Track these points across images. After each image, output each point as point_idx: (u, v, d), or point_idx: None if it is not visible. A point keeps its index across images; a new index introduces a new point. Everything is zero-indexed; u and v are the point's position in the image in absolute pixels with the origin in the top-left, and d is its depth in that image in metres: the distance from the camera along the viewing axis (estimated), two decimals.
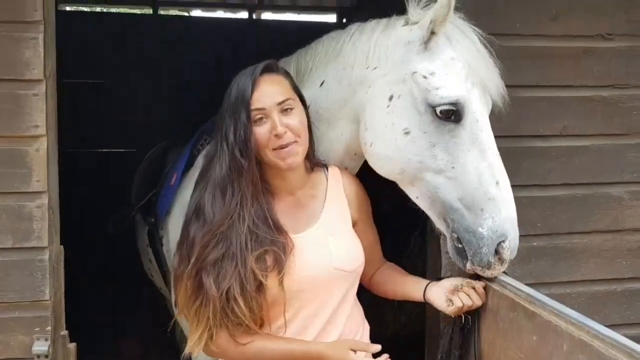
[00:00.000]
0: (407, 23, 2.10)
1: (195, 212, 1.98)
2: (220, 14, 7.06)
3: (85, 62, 6.01)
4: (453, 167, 1.93)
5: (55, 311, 2.33)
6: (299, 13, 6.80)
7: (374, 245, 2.27)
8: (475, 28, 2.06)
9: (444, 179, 1.94)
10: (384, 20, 2.20)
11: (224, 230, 1.91)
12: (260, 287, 1.89)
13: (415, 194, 2.06)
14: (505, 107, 2.09)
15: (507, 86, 2.55)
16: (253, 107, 1.92)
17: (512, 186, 2.56)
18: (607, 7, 2.66)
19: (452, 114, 1.92)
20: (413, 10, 2.08)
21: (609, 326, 2.65)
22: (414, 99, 1.96)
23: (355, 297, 2.16)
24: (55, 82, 2.39)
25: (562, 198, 2.66)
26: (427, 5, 2.07)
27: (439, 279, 2.49)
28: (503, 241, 1.89)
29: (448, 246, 2.06)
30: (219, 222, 1.92)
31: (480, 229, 1.89)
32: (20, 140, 2.28)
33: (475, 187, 1.90)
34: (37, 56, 2.28)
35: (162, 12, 6.94)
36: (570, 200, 2.67)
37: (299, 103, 2.02)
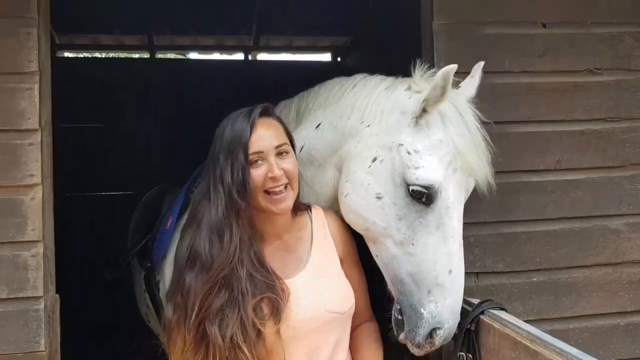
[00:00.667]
0: (409, 88, 2.13)
1: (190, 259, 1.93)
2: (216, 56, 7.18)
3: (84, 106, 6.08)
4: (413, 244, 1.97)
5: None
6: (294, 53, 6.92)
7: (359, 289, 2.17)
8: (476, 111, 2.10)
9: (402, 252, 1.98)
10: (390, 79, 2.23)
11: (225, 276, 1.87)
12: (259, 334, 1.85)
13: (375, 253, 2.11)
14: (492, 193, 2.12)
15: (500, 122, 2.61)
16: (252, 150, 1.92)
17: (510, 222, 2.61)
18: (592, 44, 2.70)
19: (423, 196, 1.94)
20: (417, 77, 2.11)
21: None
22: (394, 169, 1.99)
23: (348, 341, 2.11)
24: (50, 131, 2.42)
25: (560, 232, 2.65)
26: (434, 73, 2.10)
27: None
28: (439, 328, 1.94)
29: (392, 312, 2.11)
30: (219, 267, 1.87)
31: (422, 310, 1.94)
32: (15, 190, 2.30)
33: (429, 269, 1.94)
34: (32, 106, 2.31)
35: (159, 55, 7.06)
36: (569, 234, 2.66)
37: (291, 148, 2.04)
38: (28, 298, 2.28)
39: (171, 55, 7.86)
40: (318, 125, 2.26)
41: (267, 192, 1.94)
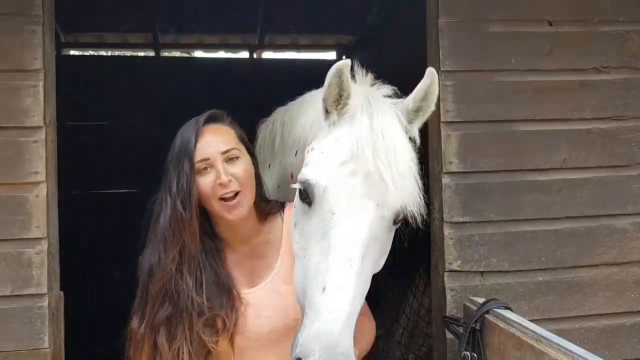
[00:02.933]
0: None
1: (149, 272, 1.92)
2: (221, 54, 7.18)
3: (90, 104, 6.09)
4: (305, 256, 1.71)
5: (54, 359, 2.30)
6: (298, 51, 6.91)
7: None
8: (396, 103, 1.82)
9: (300, 268, 1.74)
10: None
11: (167, 287, 1.87)
12: (209, 352, 1.85)
13: None
14: (419, 215, 1.75)
15: (506, 121, 2.60)
16: (198, 158, 1.89)
17: (515, 220, 2.59)
18: (599, 42, 2.68)
19: (306, 196, 1.71)
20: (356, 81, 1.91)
21: None
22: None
23: None
24: (55, 128, 2.42)
25: (566, 231, 2.63)
26: (379, 80, 1.94)
27: (445, 317, 2.46)
28: (301, 359, 1.53)
29: None
30: (159, 276, 1.88)
31: (299, 337, 1.58)
32: (20, 187, 2.30)
33: (308, 285, 1.64)
34: (37, 103, 2.32)
35: (165, 54, 7.06)
36: (575, 234, 2.64)
37: (245, 152, 1.98)
38: (32, 295, 2.28)
39: (176, 54, 7.86)
40: (296, 153, 2.18)
41: (222, 199, 1.90)
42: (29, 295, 2.27)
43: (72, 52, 6.85)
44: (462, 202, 2.54)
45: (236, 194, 1.89)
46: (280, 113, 2.45)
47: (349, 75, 1.75)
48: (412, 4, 3.18)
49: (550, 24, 2.66)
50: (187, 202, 1.87)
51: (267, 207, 2.05)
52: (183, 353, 1.82)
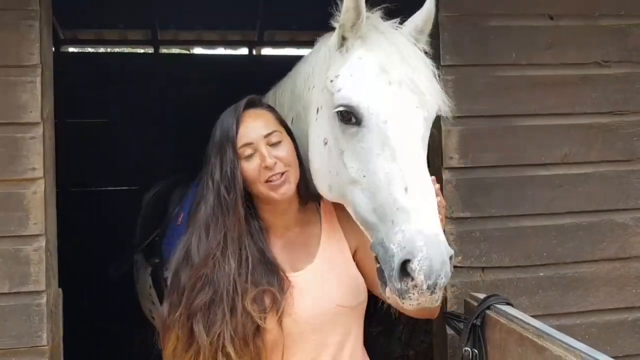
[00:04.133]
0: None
1: (185, 258, 1.94)
2: (220, 51, 7.15)
3: (89, 101, 6.07)
4: (364, 176, 1.74)
5: (53, 357, 2.29)
6: (298, 48, 6.88)
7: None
8: (400, 27, 1.92)
9: (360, 191, 1.75)
10: (325, 35, 2.08)
11: (209, 273, 1.87)
12: (257, 330, 1.83)
13: (351, 212, 1.87)
14: (450, 112, 1.90)
15: (506, 115, 2.58)
16: (241, 143, 1.92)
17: (516, 216, 2.58)
18: (600, 36, 2.67)
19: (351, 116, 1.77)
20: (338, 14, 1.92)
21: (623, 357, 2.63)
22: (328, 106, 1.86)
23: (359, 336, 2.08)
24: (52, 124, 2.40)
25: (567, 227, 2.62)
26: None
27: (445, 313, 2.45)
28: (410, 260, 1.53)
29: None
30: (201, 262, 1.89)
31: (391, 245, 1.58)
32: (17, 184, 2.28)
33: (385, 195, 1.66)
34: (34, 99, 2.30)
35: (164, 50, 7.03)
36: (576, 229, 2.63)
37: (286, 135, 2.01)
38: (30, 292, 2.26)
39: (175, 50, 7.84)
40: (292, 121, 2.18)
41: (268, 181, 1.92)
42: (27, 293, 2.26)
43: (70, 49, 6.82)
44: (463, 197, 2.52)
45: (282, 173, 1.92)
46: (269, 96, 2.41)
47: None
48: None
49: (551, 18, 2.64)
50: (231, 187, 1.89)
51: (307, 194, 2.06)
52: (224, 339, 1.80)
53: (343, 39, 1.87)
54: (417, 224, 1.57)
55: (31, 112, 2.29)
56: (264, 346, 1.85)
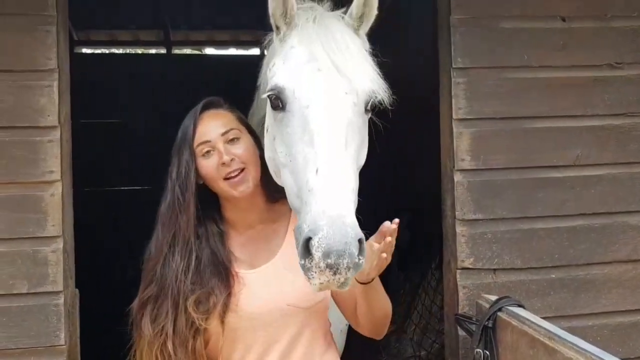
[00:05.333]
0: None
1: (148, 253, 2.02)
2: (232, 51, 7.19)
3: (103, 101, 6.13)
4: (290, 161, 1.76)
5: (70, 356, 2.33)
6: None
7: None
8: (340, 14, 1.92)
9: (289, 175, 1.78)
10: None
11: (158, 269, 1.95)
12: (197, 332, 1.89)
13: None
14: (389, 97, 1.83)
15: (518, 117, 2.59)
16: (198, 141, 1.97)
17: (528, 218, 2.59)
18: (613, 37, 2.66)
19: (278, 101, 1.79)
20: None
21: (635, 359, 2.62)
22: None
23: (326, 337, 2.06)
24: (69, 127, 2.44)
25: (579, 228, 2.62)
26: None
27: (457, 315, 2.46)
28: (311, 237, 1.53)
29: None
30: (153, 258, 1.97)
31: (303, 225, 1.59)
32: (35, 186, 2.32)
33: (302, 177, 1.68)
34: (51, 103, 2.34)
35: (176, 51, 7.08)
36: (588, 231, 2.63)
37: (246, 133, 2.04)
38: (48, 293, 2.31)
39: (187, 51, 7.89)
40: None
41: (226, 178, 1.96)
42: (45, 293, 2.30)
43: (84, 50, 6.89)
44: (475, 199, 2.53)
45: (241, 170, 1.95)
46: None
47: None
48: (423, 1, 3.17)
49: (563, 20, 2.64)
50: (184, 187, 1.95)
51: (274, 192, 2.06)
52: (165, 333, 1.88)
53: (277, 28, 1.89)
54: (322, 204, 1.57)
55: (49, 115, 2.33)
56: (202, 346, 1.91)
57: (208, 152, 1.97)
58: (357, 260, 1.53)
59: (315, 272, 1.54)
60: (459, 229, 2.52)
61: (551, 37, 2.63)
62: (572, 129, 2.63)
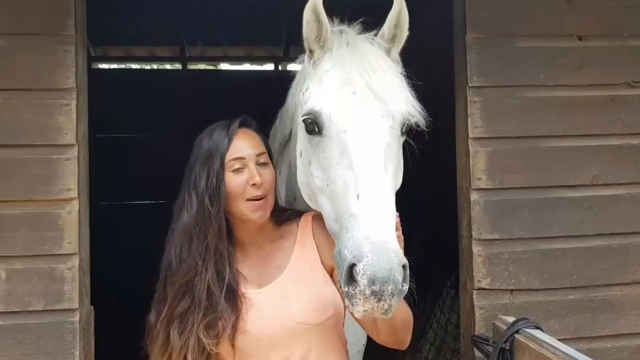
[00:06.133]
0: None
1: (169, 266, 1.98)
2: (247, 66, 7.24)
3: (118, 117, 6.19)
4: (327, 185, 1.77)
5: None
6: None
7: None
8: (371, 37, 1.91)
9: (326, 200, 1.78)
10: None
11: (189, 281, 1.92)
12: (209, 355, 1.88)
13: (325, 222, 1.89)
14: (424, 119, 1.84)
15: (535, 137, 2.57)
16: (233, 156, 1.94)
17: (545, 238, 2.56)
18: (630, 56, 2.65)
19: (314, 126, 1.79)
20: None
21: None
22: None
23: (340, 353, 2.01)
24: (87, 145, 2.46)
25: (597, 249, 2.59)
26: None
27: (474, 336, 2.43)
28: (355, 264, 1.54)
29: None
30: (185, 270, 1.93)
31: (345, 251, 1.60)
32: (52, 204, 2.35)
33: (341, 202, 1.69)
34: (69, 122, 2.36)
35: (191, 66, 7.15)
36: (606, 251, 2.59)
37: (270, 161, 2.04)
38: (64, 310, 2.32)
39: (202, 66, 7.96)
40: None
41: (247, 200, 1.94)
42: (60, 310, 2.31)
43: (101, 66, 6.97)
44: (491, 219, 2.52)
45: (264, 196, 1.94)
46: (278, 116, 2.45)
47: (323, 9, 1.82)
48: (440, 20, 3.18)
49: (580, 39, 2.63)
50: (215, 198, 1.91)
51: (283, 215, 2.08)
52: (188, 346, 1.87)
53: (311, 52, 1.90)
54: (365, 230, 1.58)
55: (66, 134, 2.35)
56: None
57: (239, 169, 1.94)
58: (401, 287, 1.54)
59: (360, 299, 1.54)
60: (476, 248, 2.50)
61: (567, 56, 2.62)
62: (590, 148, 2.61)
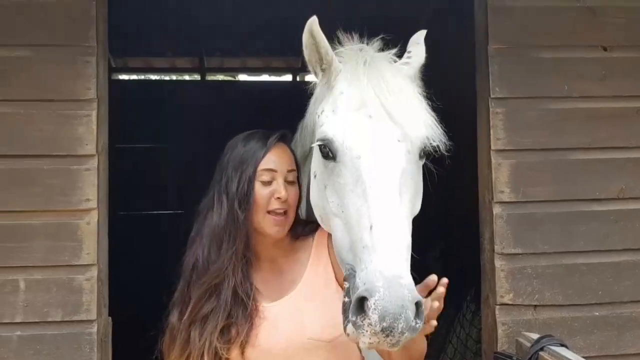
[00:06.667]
0: None
1: (195, 267, 1.97)
2: (265, 77, 7.27)
3: (138, 127, 6.24)
4: (342, 211, 1.71)
5: None
6: None
7: None
8: (391, 55, 1.85)
9: (341, 225, 1.73)
10: None
11: (217, 283, 1.92)
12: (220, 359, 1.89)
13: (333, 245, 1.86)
14: (442, 143, 1.77)
15: (559, 149, 2.52)
16: (265, 166, 1.94)
17: (570, 252, 2.50)
18: None
19: (328, 151, 1.74)
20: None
21: None
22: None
23: None
24: (107, 156, 2.47)
25: (623, 264, 2.52)
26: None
27: (496, 353, 2.38)
28: (366, 298, 1.50)
29: None
30: (213, 273, 1.93)
31: (358, 281, 1.56)
32: (71, 214, 2.35)
33: (355, 232, 1.64)
34: (90, 132, 2.37)
35: (209, 77, 7.19)
36: (633, 266, 2.53)
37: (297, 179, 2.03)
38: (82, 321, 2.31)
39: (220, 77, 8.01)
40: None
41: (268, 212, 1.94)
42: (78, 322, 2.31)
43: (121, 77, 7.05)
44: (514, 232, 2.47)
45: (284, 212, 1.94)
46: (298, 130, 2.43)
47: (320, 30, 1.77)
48: (461, 30, 3.15)
49: (605, 49, 2.59)
50: (244, 204, 1.92)
51: (300, 229, 2.07)
52: (207, 346, 1.87)
53: (315, 74, 1.86)
54: (377, 264, 1.54)
55: (87, 144, 2.36)
56: None
57: (268, 181, 1.95)
58: (413, 323, 1.49)
59: (367, 332, 1.50)
60: (498, 263, 2.45)
61: (592, 67, 2.58)
62: (615, 161, 2.55)
